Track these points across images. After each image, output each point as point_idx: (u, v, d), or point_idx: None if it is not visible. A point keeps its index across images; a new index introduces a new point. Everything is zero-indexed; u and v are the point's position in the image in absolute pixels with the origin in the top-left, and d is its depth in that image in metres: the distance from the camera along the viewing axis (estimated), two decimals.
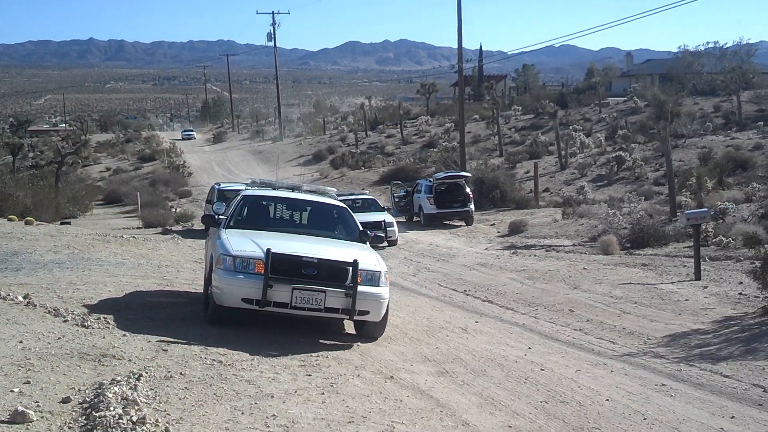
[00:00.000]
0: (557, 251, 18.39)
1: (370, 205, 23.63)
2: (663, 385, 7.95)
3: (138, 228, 27.59)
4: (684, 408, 7.20)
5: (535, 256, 18.05)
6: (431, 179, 27.11)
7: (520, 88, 77.59)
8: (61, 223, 25.91)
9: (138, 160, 60.64)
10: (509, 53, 44.30)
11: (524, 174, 36.22)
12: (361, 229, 10.23)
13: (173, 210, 34.49)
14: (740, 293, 12.44)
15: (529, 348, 9.47)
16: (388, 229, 21.47)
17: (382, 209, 23.56)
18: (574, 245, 19.19)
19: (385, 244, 19.66)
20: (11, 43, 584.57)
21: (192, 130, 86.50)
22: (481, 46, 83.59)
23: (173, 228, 27.20)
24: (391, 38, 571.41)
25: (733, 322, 10.73)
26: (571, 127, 42.99)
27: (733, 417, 7.05)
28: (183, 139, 76.65)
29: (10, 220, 23.26)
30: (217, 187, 25.62)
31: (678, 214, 19.80)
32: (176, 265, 14.44)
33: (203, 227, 18.30)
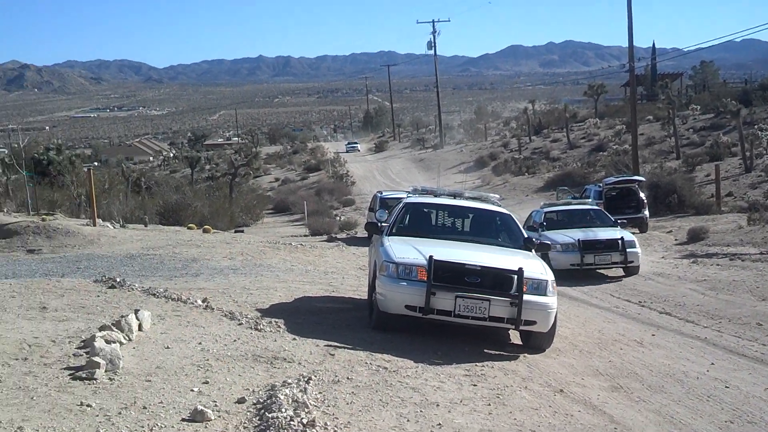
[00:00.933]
0: (742, 260, 17.12)
1: (595, 218, 18.85)
2: None
3: (305, 236, 28.53)
4: None
5: (718, 265, 16.91)
6: (601, 184, 26.18)
7: (697, 86, 73.31)
8: (235, 232, 27.35)
9: (304, 170, 62.95)
10: (685, 50, 41.90)
11: (704, 177, 34.22)
12: (526, 236, 9.95)
13: (338, 218, 35.44)
14: None
15: (712, 364, 8.78)
16: (627, 250, 16.27)
17: (613, 223, 18.31)
18: (761, 253, 17.79)
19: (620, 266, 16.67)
20: (188, 63, 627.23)
21: (356, 143, 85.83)
22: (654, 44, 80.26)
23: (338, 236, 27.89)
24: (556, 40, 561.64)
25: None
26: (756, 127, 39.94)
27: None
28: (347, 151, 77.02)
29: (189, 228, 24.86)
30: (379, 195, 26.04)
31: None
32: (341, 272, 14.74)
33: (366, 235, 18.62)
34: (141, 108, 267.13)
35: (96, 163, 60.96)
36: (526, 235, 10.01)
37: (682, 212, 28.30)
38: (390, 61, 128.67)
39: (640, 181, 26.84)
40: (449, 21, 77.22)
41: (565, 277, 15.08)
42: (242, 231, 28.81)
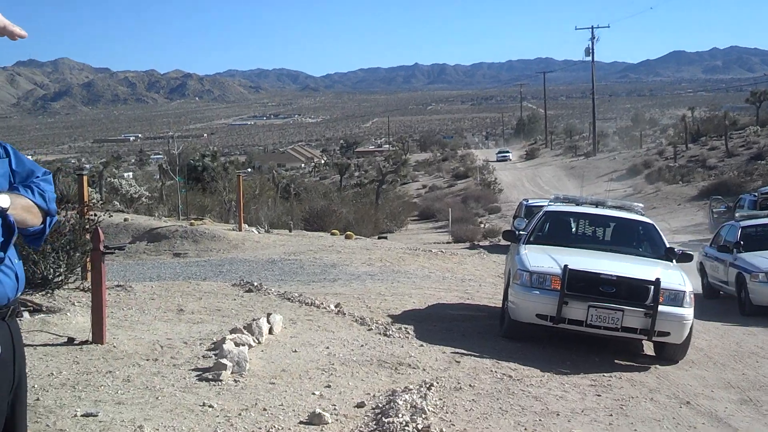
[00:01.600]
0: None
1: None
2: None
3: (447, 243, 28.64)
4: None
5: None
6: (756, 194, 24.73)
7: None
8: (378, 238, 27.79)
9: (452, 177, 63.10)
10: None
11: None
12: (668, 245, 9.68)
13: (482, 225, 35.32)
14: None
15: None
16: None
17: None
18: None
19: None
20: (344, 71, 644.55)
21: (507, 151, 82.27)
22: None
23: (481, 243, 27.80)
24: (720, 45, 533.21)
25: None
26: None
27: None
28: (498, 160, 74.78)
29: (332, 234, 25.53)
30: (525, 203, 25.75)
31: None
32: (479, 280, 14.73)
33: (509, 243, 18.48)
34: (297, 116, 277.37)
35: (249, 170, 63.90)
36: (668, 245, 9.74)
37: None
38: (546, 68, 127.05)
39: None
40: (609, 27, 76.20)
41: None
42: (385, 237, 29.21)
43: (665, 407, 6.60)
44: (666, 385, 7.38)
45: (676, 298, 8.15)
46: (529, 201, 26.24)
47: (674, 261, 9.36)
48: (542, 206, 17.98)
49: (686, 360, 8.51)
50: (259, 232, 22.06)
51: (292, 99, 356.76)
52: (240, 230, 21.01)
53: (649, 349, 8.85)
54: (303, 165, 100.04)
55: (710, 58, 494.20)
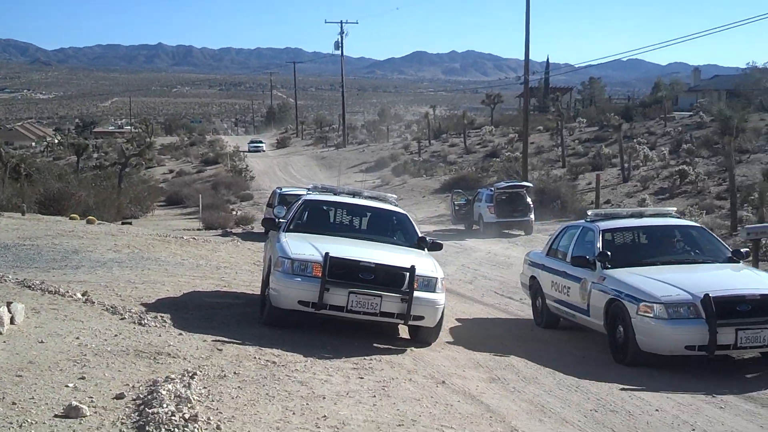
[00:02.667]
0: None
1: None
2: (713, 396, 7.61)
3: (198, 230, 28.01)
4: (734, 420, 6.94)
5: None
6: (492, 188, 26.98)
7: (585, 100, 76.59)
8: (123, 223, 26.46)
9: (201, 163, 61.62)
10: (576, 66, 43.87)
11: (586, 185, 35.77)
12: (420, 235, 10.18)
13: (234, 213, 34.93)
14: None
15: (583, 357, 9.32)
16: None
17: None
18: None
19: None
20: (80, 46, 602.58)
21: (261, 142, 75.52)
22: (548, 59, 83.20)
23: (233, 230, 27.50)
24: (458, 49, 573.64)
25: None
26: (635, 140, 42.24)
27: None
28: (250, 150, 70.64)
29: (71, 218, 23.84)
30: (278, 191, 25.81)
31: (738, 228, 19.57)
32: (235, 267, 14.55)
33: (263, 230, 18.27)
34: (25, 90, 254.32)
35: None
36: (420, 234, 10.22)
37: (565, 217, 29.39)
38: (296, 58, 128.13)
39: (528, 186, 27.87)
40: (357, 23, 76.94)
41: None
42: (130, 223, 27.86)
43: (423, 387, 6.98)
44: (422, 366, 7.81)
45: (429, 284, 8.61)
46: (283, 189, 26.37)
47: (426, 249, 9.86)
48: (296, 194, 18.20)
49: (439, 342, 9.07)
50: None
51: (20, 72, 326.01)
52: None
53: (404, 332, 9.28)
54: (34, 144, 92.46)
55: (449, 60, 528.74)
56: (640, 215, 11.24)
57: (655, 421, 6.74)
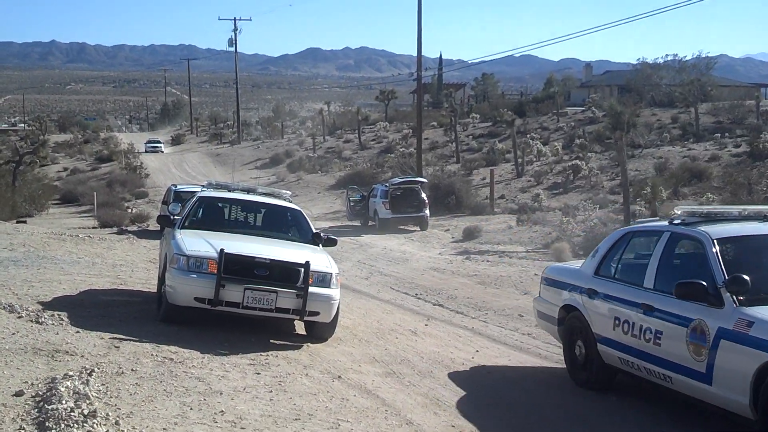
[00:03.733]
0: (510, 257, 18.71)
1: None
2: None
3: (93, 228, 27.44)
4: None
5: (488, 261, 18.34)
6: (387, 184, 27.31)
7: (479, 96, 78.36)
8: (17, 222, 25.65)
9: (96, 160, 60.12)
10: (469, 62, 44.91)
11: (480, 181, 36.54)
12: (314, 231, 10.43)
13: (129, 210, 34.29)
14: None
15: (477, 351, 9.63)
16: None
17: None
18: (527, 252, 19.55)
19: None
20: None
21: (159, 142, 71.05)
22: (441, 55, 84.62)
23: (129, 228, 27.08)
24: (352, 45, 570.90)
25: None
26: (528, 136, 43.54)
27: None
28: (146, 151, 66.68)
29: None
30: (173, 188, 25.60)
31: (631, 222, 20.27)
32: (131, 265, 14.46)
33: (159, 228, 18.24)
34: None
35: None
36: (314, 230, 10.46)
37: (460, 212, 30.20)
38: (190, 55, 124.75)
39: (423, 182, 28.40)
40: (251, 20, 76.07)
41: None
42: (25, 221, 27.09)
43: (320, 382, 7.21)
44: (318, 362, 8.04)
45: (324, 279, 8.83)
46: (178, 186, 26.11)
47: (321, 245, 10.09)
48: (191, 191, 18.14)
49: (335, 338, 9.28)
50: None
51: None
52: None
53: (300, 328, 9.50)
54: None
55: (344, 57, 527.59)
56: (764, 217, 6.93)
57: None
